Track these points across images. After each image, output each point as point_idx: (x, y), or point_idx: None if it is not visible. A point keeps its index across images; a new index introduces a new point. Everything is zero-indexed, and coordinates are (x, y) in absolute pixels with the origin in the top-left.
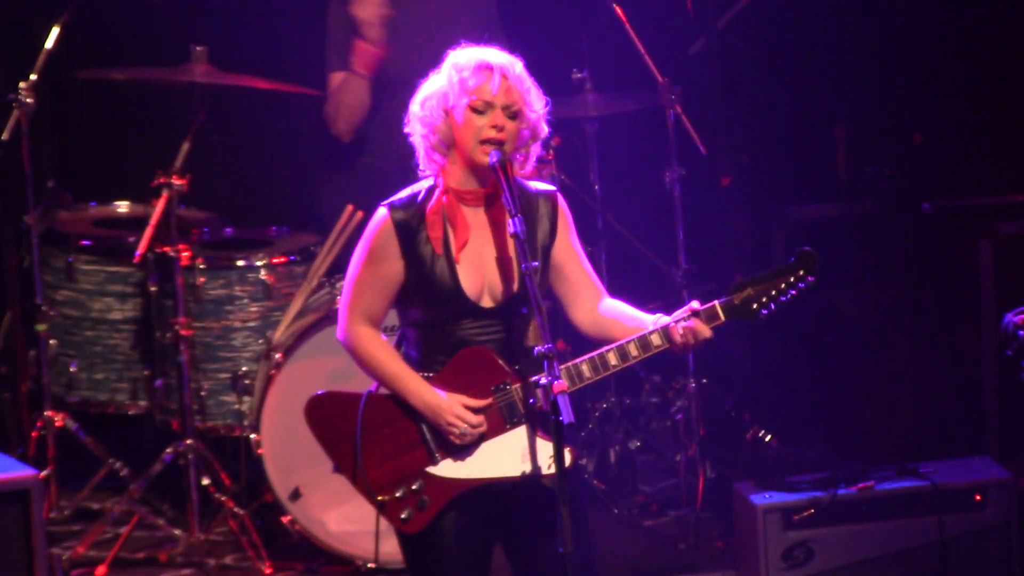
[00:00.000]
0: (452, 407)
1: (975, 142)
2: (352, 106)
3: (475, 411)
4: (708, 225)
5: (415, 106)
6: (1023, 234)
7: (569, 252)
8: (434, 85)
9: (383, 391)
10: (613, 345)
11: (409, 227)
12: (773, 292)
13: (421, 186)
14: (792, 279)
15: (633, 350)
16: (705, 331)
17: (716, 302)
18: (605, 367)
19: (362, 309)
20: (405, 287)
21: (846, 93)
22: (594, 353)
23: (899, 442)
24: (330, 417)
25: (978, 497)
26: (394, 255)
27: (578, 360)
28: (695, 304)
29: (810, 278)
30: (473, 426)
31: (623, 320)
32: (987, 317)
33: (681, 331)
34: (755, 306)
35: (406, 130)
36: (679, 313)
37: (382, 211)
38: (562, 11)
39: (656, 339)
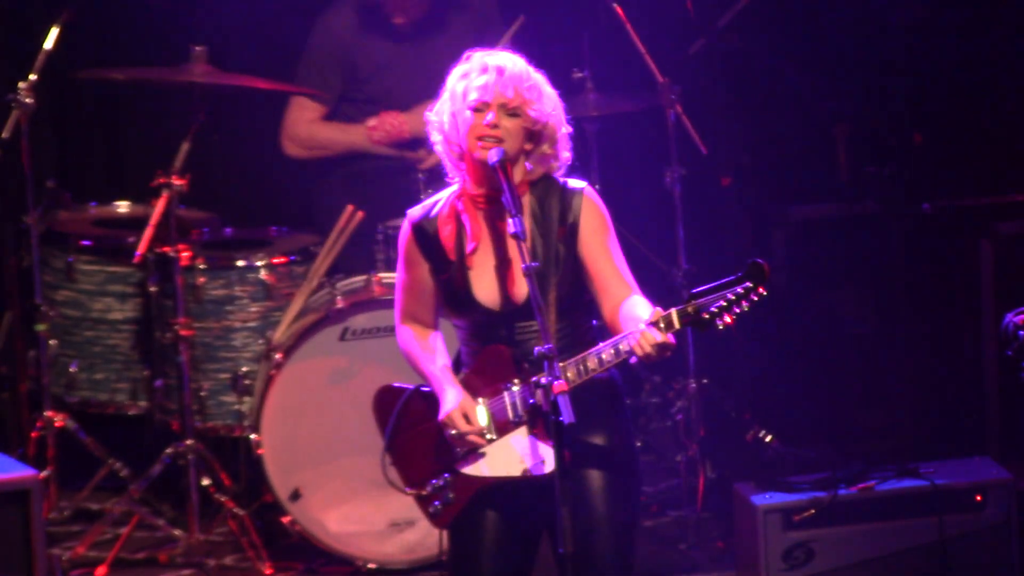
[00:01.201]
0: (447, 409)
1: (975, 142)
2: (337, 152)
3: (492, 415)
4: (708, 225)
5: (431, 115)
6: (1023, 234)
7: (596, 248)
8: (444, 95)
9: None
10: (593, 350)
11: (426, 234)
12: (723, 303)
13: (443, 193)
14: (741, 291)
15: (606, 355)
16: (659, 337)
17: (672, 310)
18: (586, 371)
19: (406, 311)
20: (438, 292)
21: (846, 93)
22: (578, 357)
23: (899, 442)
24: (386, 410)
25: (978, 497)
26: (420, 260)
27: (564, 364)
28: (658, 310)
29: (761, 289)
30: (461, 431)
31: (625, 322)
32: (987, 317)
33: (638, 343)
34: (705, 316)
35: (431, 140)
36: (649, 317)
37: (405, 220)
38: (562, 11)
39: (624, 345)
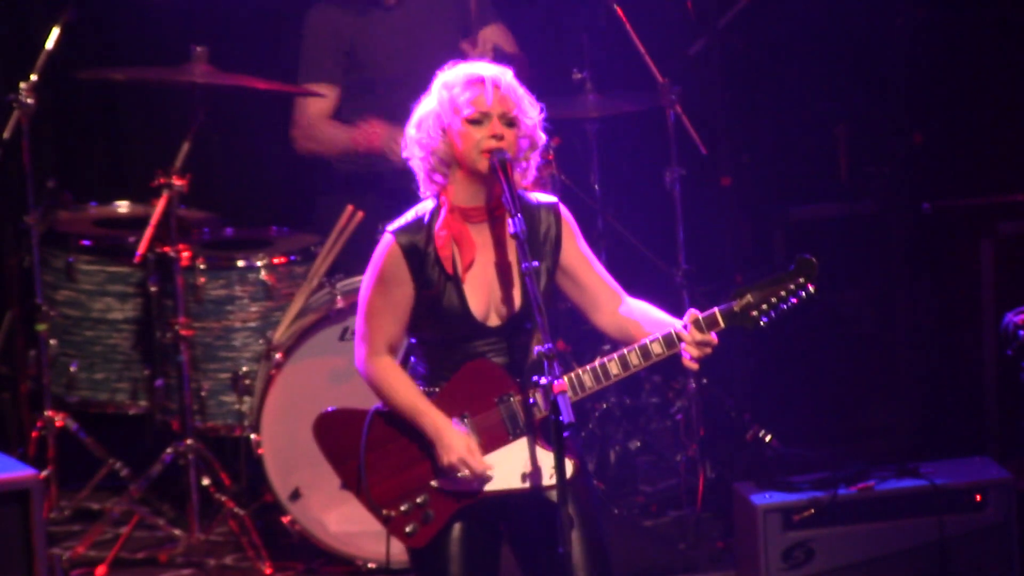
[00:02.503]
0: (460, 451)
1: (975, 142)
2: (338, 151)
3: (480, 431)
4: (708, 225)
5: (411, 130)
6: (1023, 234)
7: (579, 259)
8: (427, 107)
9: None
10: (615, 354)
11: (416, 250)
12: (773, 299)
13: (424, 208)
14: (792, 286)
15: (634, 359)
16: (713, 340)
17: (716, 309)
18: (607, 377)
19: (378, 336)
20: (415, 309)
21: (846, 93)
22: (596, 363)
23: (899, 442)
24: (337, 434)
25: (978, 497)
26: (404, 279)
27: (580, 370)
28: (695, 312)
29: (810, 286)
30: (477, 471)
31: (644, 324)
32: (987, 317)
33: (696, 345)
34: (754, 313)
35: (403, 155)
36: (684, 319)
37: (387, 237)
38: (562, 11)
39: (657, 348)
